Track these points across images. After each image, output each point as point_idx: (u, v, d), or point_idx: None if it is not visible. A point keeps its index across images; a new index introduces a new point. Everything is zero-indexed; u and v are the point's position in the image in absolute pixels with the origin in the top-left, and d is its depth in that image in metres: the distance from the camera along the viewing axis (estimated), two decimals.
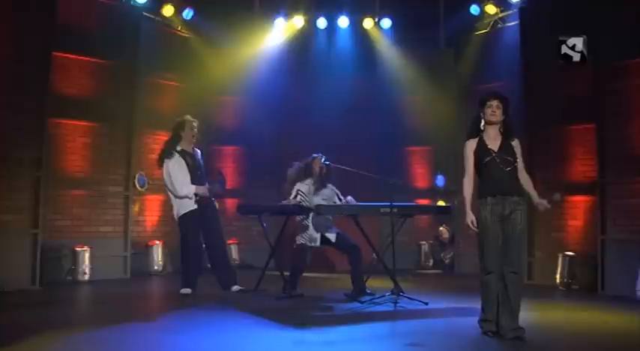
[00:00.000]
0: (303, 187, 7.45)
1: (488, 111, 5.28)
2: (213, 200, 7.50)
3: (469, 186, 5.36)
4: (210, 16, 10.45)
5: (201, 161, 7.56)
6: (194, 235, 7.33)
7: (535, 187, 5.37)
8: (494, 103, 5.26)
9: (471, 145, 5.34)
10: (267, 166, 10.84)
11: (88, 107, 8.92)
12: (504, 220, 5.21)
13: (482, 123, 5.33)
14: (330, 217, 7.46)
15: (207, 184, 7.46)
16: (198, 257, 7.43)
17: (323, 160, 7.55)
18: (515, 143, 5.30)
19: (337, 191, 7.60)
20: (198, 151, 7.62)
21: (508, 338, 5.06)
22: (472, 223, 5.27)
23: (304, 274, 7.87)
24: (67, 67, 8.70)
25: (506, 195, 5.19)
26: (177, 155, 7.29)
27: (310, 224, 7.34)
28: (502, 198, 5.19)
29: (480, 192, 5.29)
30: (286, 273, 7.46)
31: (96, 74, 9.06)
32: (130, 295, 7.78)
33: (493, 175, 5.23)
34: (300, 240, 7.42)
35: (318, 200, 7.30)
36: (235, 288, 7.38)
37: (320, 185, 7.47)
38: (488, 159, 5.23)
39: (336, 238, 7.42)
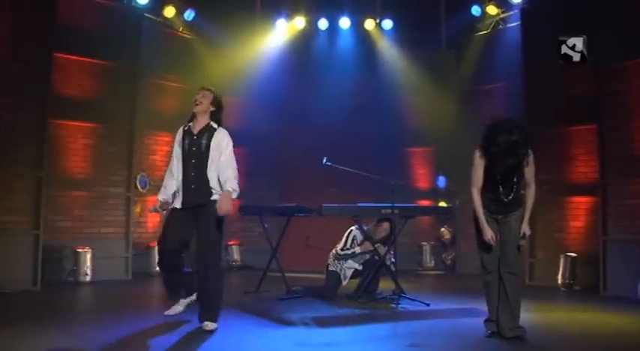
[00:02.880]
0: (359, 234, 7.48)
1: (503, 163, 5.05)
2: (213, 202, 5.46)
3: (479, 198, 5.23)
4: (211, 17, 10.45)
5: (211, 146, 5.56)
6: (166, 239, 5.58)
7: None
8: (510, 162, 4.98)
9: (482, 161, 5.18)
10: (268, 166, 10.85)
11: (89, 108, 8.91)
12: (500, 222, 5.22)
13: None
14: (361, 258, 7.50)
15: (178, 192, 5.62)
16: (168, 267, 5.69)
17: (324, 160, 7.56)
18: (527, 162, 5.11)
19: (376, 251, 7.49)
20: (220, 132, 5.64)
21: (508, 337, 5.07)
22: (492, 238, 5.16)
23: (308, 275, 7.88)
24: (68, 68, 8.69)
25: (502, 214, 5.21)
26: (178, 132, 5.77)
27: (348, 261, 7.42)
28: (496, 215, 5.22)
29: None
30: (287, 273, 7.47)
31: (97, 75, 9.05)
32: (132, 296, 7.78)
33: (493, 199, 5.22)
34: (332, 266, 7.47)
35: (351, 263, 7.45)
36: (205, 325, 5.40)
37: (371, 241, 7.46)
38: (491, 183, 5.18)
39: (363, 265, 7.48)
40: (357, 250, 7.40)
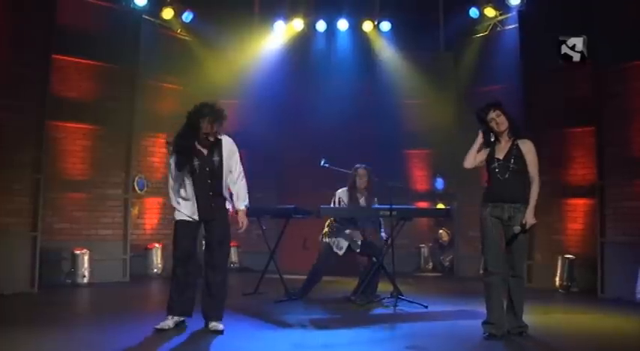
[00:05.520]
0: (343, 194, 7.45)
1: (492, 124, 5.34)
2: (225, 211, 5.64)
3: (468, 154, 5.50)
4: (209, 19, 10.46)
5: (223, 159, 5.57)
6: (182, 252, 5.52)
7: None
8: (493, 114, 5.33)
9: (484, 151, 5.46)
10: (267, 169, 10.83)
11: (88, 110, 8.92)
12: (504, 223, 5.25)
13: (493, 137, 5.40)
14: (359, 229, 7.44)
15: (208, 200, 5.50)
16: (183, 280, 5.52)
17: (322, 162, 7.59)
18: (526, 147, 5.30)
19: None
20: (227, 143, 5.64)
21: (512, 334, 5.19)
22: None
23: (305, 277, 7.83)
24: (66, 69, 8.70)
25: (505, 202, 5.26)
26: (174, 149, 5.52)
27: (343, 233, 7.34)
28: (501, 204, 5.27)
29: (482, 198, 5.40)
30: (285, 275, 7.46)
31: (95, 77, 9.05)
32: (130, 298, 7.77)
33: (493, 184, 5.34)
34: (326, 239, 7.42)
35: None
36: (213, 325, 5.46)
37: (355, 195, 7.43)
38: (492, 166, 5.33)
39: (360, 246, 7.41)
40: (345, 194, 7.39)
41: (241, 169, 5.69)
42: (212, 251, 5.56)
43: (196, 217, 5.50)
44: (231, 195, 5.69)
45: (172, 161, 5.48)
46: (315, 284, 7.45)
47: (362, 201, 7.43)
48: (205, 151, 5.50)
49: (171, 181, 5.55)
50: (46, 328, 5.51)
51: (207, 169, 5.48)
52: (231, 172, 5.60)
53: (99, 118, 9.04)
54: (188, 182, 5.48)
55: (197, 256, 5.68)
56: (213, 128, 5.40)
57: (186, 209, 5.49)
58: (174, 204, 5.55)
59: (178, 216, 5.54)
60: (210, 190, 5.50)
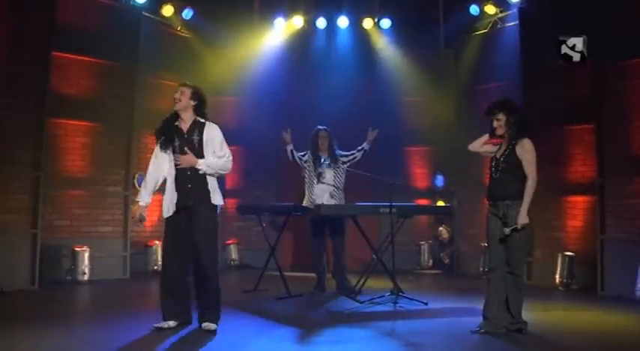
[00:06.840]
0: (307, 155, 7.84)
1: (493, 125, 5.45)
2: (210, 204, 5.49)
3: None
4: (209, 16, 10.45)
5: (204, 142, 5.51)
6: (166, 249, 5.62)
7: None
8: (494, 117, 5.42)
9: (493, 146, 5.63)
10: (266, 166, 10.83)
11: (88, 107, 8.91)
12: (502, 221, 5.31)
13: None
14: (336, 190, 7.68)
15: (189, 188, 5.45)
16: (167, 284, 5.49)
17: (322, 160, 7.61)
18: (522, 148, 5.33)
19: (344, 156, 7.83)
20: (210, 127, 5.59)
21: (510, 330, 5.24)
22: None
23: (305, 274, 7.85)
24: (66, 67, 8.68)
25: (496, 200, 5.37)
26: (158, 132, 5.66)
27: (314, 190, 7.63)
28: (495, 202, 5.38)
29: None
30: (285, 272, 7.48)
31: (95, 74, 9.04)
32: (130, 295, 7.79)
33: (489, 182, 5.49)
34: (305, 203, 7.63)
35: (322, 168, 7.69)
36: (205, 326, 5.40)
37: (317, 154, 7.77)
38: (491, 165, 5.49)
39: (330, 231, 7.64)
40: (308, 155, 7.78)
41: (229, 153, 5.56)
42: (199, 251, 5.39)
43: (173, 208, 5.44)
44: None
45: (156, 147, 5.62)
46: (321, 265, 7.66)
47: (325, 158, 7.70)
48: (186, 131, 5.53)
49: (148, 174, 5.68)
50: (46, 326, 5.52)
51: (187, 148, 5.45)
52: (214, 152, 5.49)
53: (99, 115, 9.04)
54: (171, 173, 5.51)
55: (189, 254, 5.48)
56: (175, 98, 5.54)
57: (167, 199, 5.49)
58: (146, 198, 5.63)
59: (164, 214, 5.53)
60: (189, 170, 5.43)
